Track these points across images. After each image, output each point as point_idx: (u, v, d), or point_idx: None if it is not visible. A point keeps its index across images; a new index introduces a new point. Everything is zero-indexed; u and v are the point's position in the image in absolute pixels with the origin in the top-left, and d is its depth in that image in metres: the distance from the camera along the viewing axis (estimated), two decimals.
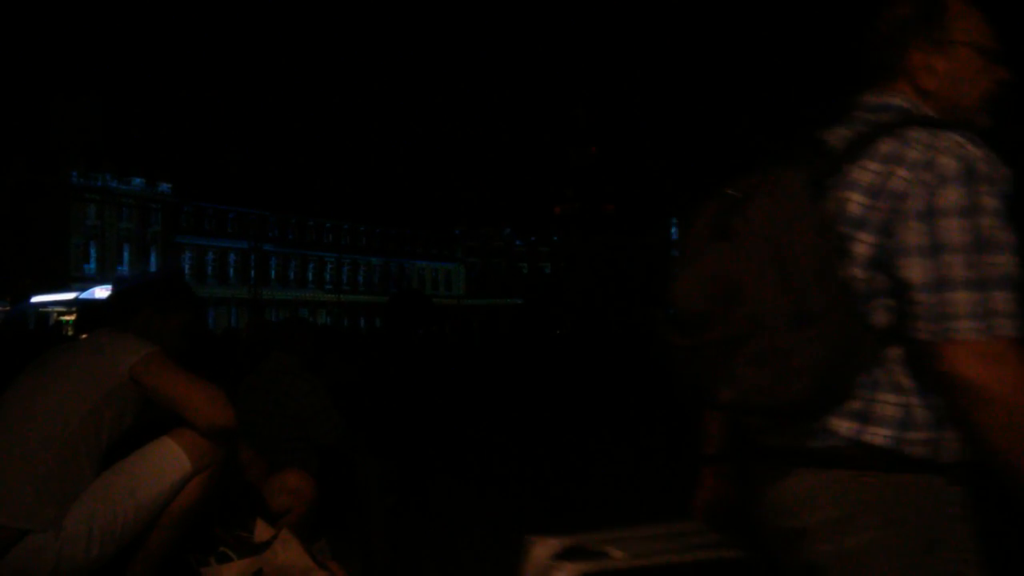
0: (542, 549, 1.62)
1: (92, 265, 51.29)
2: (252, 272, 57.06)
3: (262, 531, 2.67)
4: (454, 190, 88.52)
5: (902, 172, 1.35)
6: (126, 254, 53.78)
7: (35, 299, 36.64)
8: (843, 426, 1.37)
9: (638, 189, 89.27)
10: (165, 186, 56.62)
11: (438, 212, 77.30)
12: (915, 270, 1.32)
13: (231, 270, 60.92)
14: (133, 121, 53.36)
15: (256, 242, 57.84)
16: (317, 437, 3.78)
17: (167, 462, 2.38)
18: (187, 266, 56.95)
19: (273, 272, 63.36)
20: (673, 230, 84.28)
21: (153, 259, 54.92)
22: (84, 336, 2.67)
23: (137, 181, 54.70)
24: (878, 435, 1.35)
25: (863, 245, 1.36)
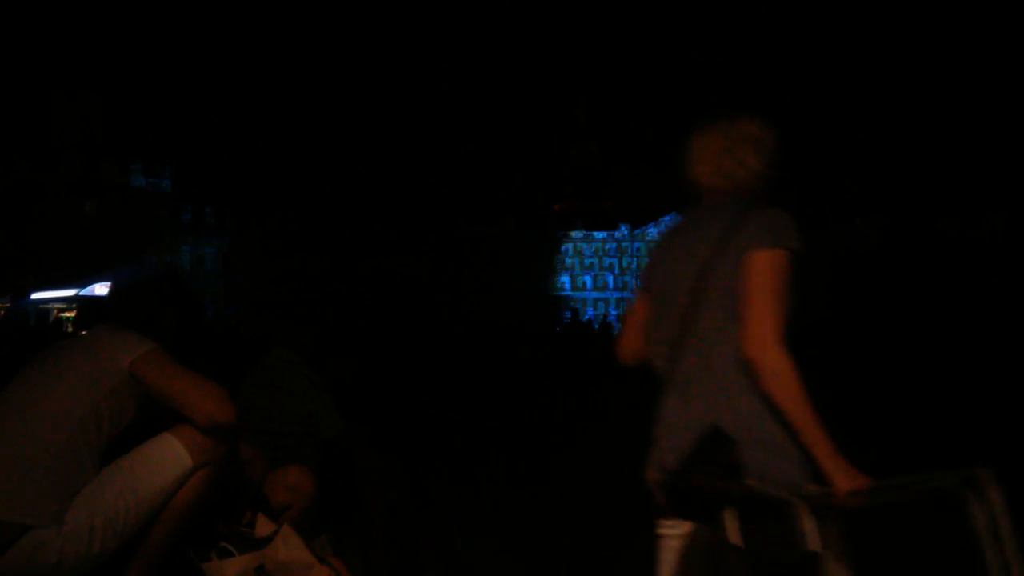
0: None
1: (93, 262, 51.27)
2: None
3: (263, 527, 2.68)
4: (454, 188, 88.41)
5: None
6: (126, 251, 53.78)
7: (35, 295, 36.58)
8: None
9: (639, 186, 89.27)
10: (166, 183, 56.61)
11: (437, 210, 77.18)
12: None
13: None
14: (134, 118, 53.41)
15: (255, 240, 57.71)
16: (318, 433, 3.78)
17: (168, 458, 2.38)
18: (186, 262, 56.94)
19: None
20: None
21: (152, 256, 54.91)
22: (84, 332, 2.67)
23: (138, 179, 54.67)
24: None
25: None
